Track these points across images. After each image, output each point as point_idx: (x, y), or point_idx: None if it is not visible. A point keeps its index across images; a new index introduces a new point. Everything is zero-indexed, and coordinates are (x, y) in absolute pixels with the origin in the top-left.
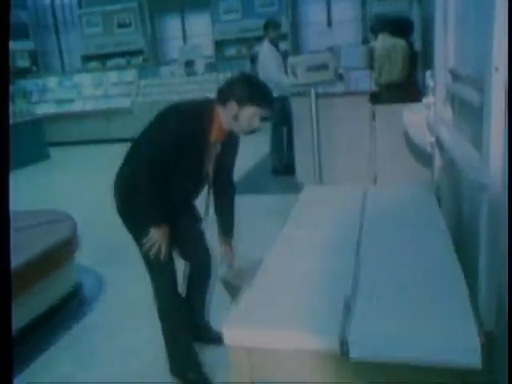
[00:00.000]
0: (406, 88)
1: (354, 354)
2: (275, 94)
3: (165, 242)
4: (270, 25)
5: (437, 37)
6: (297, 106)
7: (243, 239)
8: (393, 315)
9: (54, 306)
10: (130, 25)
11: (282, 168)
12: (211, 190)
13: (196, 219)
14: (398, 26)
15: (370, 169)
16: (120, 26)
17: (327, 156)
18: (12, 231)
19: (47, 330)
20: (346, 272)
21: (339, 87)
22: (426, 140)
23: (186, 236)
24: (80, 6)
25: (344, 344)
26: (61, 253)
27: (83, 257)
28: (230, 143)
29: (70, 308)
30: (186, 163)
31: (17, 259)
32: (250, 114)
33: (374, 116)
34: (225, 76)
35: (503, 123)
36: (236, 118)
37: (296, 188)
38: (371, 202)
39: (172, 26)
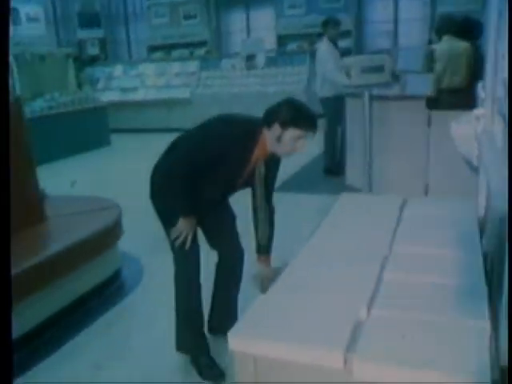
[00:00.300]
0: (467, 95)
1: (358, 373)
2: (331, 93)
3: (191, 232)
4: (330, 23)
5: (489, 43)
6: (350, 107)
7: (279, 237)
8: (404, 338)
9: (94, 290)
10: (195, 16)
11: (333, 168)
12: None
13: (228, 215)
14: (465, 28)
15: (421, 178)
16: (186, 17)
17: (378, 160)
18: (61, 216)
19: (84, 312)
20: (365, 288)
21: (395, 90)
22: (472, 153)
23: (216, 229)
24: None
25: (348, 362)
26: (104, 239)
27: (129, 244)
28: (272, 163)
29: (108, 293)
30: (223, 172)
31: (63, 242)
32: (292, 137)
33: (429, 122)
34: (285, 71)
35: None
36: (279, 139)
37: (344, 190)
38: (407, 216)
39: (236, 19)
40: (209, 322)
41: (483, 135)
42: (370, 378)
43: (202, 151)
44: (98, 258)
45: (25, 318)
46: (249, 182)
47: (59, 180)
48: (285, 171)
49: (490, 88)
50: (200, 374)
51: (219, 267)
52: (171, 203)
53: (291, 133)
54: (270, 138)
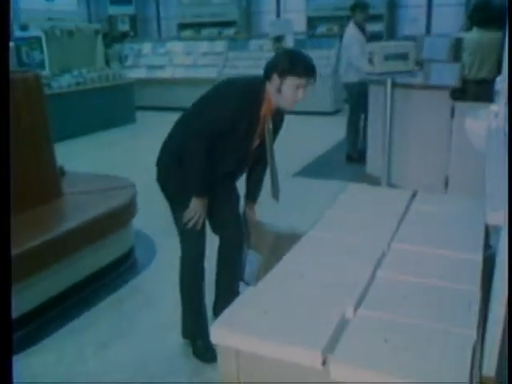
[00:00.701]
0: (494, 87)
1: (335, 374)
2: (355, 79)
3: (204, 212)
4: (358, 7)
5: (508, 33)
6: (373, 94)
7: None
8: (387, 341)
9: (108, 267)
10: None
11: (355, 155)
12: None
13: (234, 197)
14: (499, 16)
15: (442, 169)
16: None
17: (399, 150)
18: (78, 193)
19: (96, 288)
20: (355, 286)
21: (419, 79)
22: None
23: (221, 211)
24: None
25: (326, 362)
26: (119, 218)
27: (144, 223)
28: (278, 118)
29: (121, 270)
30: (237, 138)
31: (77, 219)
32: (291, 85)
33: (453, 113)
34: (313, 53)
35: None
36: (279, 90)
37: (365, 178)
38: (413, 212)
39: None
40: (214, 306)
41: (493, 132)
42: (348, 379)
43: (215, 123)
44: (112, 236)
45: (37, 292)
46: (259, 147)
47: (83, 156)
48: (307, 156)
49: (505, 82)
50: (196, 355)
51: (221, 252)
52: (183, 184)
53: (290, 81)
54: (272, 91)
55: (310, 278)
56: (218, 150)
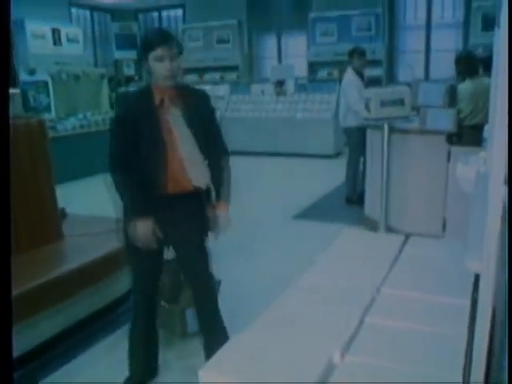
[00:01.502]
0: None
1: None
2: (354, 123)
3: (150, 236)
4: (356, 53)
5: (494, 79)
6: (370, 139)
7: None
8: None
9: (106, 308)
10: (228, 41)
11: (354, 198)
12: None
13: (196, 227)
14: (484, 65)
15: (439, 213)
16: (219, 41)
17: (396, 194)
18: (79, 235)
19: (93, 330)
20: (343, 332)
21: (415, 124)
22: None
23: (184, 250)
24: (184, 20)
25: None
26: (116, 260)
27: None
28: (192, 105)
29: (118, 312)
30: (145, 139)
31: (79, 260)
32: (155, 59)
33: (449, 157)
34: (314, 98)
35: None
36: (150, 71)
37: (363, 221)
38: (405, 256)
39: (269, 45)
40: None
41: (480, 177)
42: None
43: (116, 139)
44: (111, 277)
45: (34, 333)
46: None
47: (86, 197)
48: (307, 198)
49: (491, 128)
50: None
51: (194, 299)
52: (124, 207)
53: (152, 56)
54: (152, 74)
55: (298, 324)
56: (141, 158)
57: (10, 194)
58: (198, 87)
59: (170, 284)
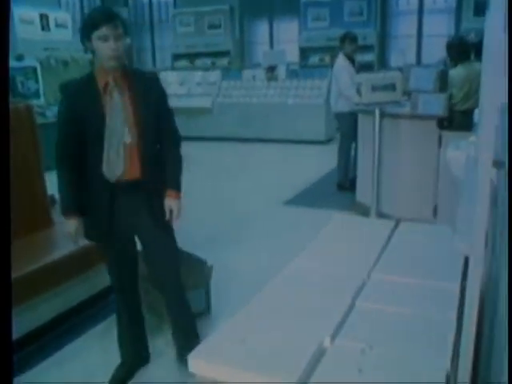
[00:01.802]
0: None
1: None
2: (346, 109)
3: (77, 233)
4: (347, 38)
5: (484, 68)
6: (362, 124)
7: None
8: (361, 371)
9: (97, 295)
10: (219, 27)
11: (346, 183)
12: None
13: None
14: (475, 49)
15: (430, 198)
16: (210, 27)
17: (388, 179)
18: None
19: (84, 317)
20: (333, 317)
21: (407, 109)
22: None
23: (147, 243)
24: (175, 5)
25: None
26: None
27: None
28: (139, 89)
29: (109, 300)
30: (90, 127)
31: (69, 247)
32: (98, 39)
33: (440, 142)
34: (305, 83)
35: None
36: (94, 52)
37: (355, 207)
38: (395, 241)
39: (260, 30)
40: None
41: (470, 161)
42: None
43: (61, 129)
44: (102, 264)
45: (24, 321)
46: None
47: None
48: (299, 184)
49: (481, 112)
50: None
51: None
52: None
53: (95, 36)
54: (95, 56)
55: (288, 309)
56: (87, 150)
57: (9, 184)
58: (148, 70)
59: None
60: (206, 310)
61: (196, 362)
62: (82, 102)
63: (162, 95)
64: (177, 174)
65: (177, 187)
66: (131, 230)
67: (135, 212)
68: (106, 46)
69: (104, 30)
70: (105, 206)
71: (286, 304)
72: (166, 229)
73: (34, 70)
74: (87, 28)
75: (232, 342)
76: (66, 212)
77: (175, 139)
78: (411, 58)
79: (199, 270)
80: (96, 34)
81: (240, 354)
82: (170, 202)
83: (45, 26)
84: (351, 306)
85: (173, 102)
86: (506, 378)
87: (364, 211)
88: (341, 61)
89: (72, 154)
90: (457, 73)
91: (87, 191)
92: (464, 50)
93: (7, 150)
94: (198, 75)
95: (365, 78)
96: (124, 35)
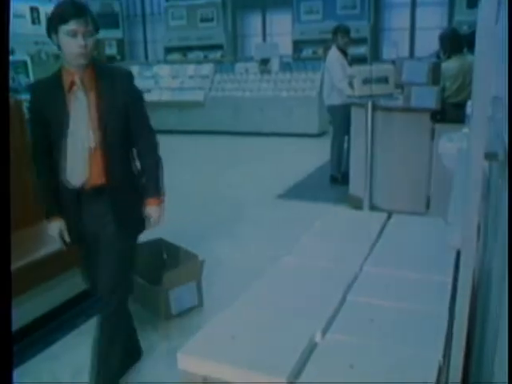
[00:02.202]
0: None
1: None
2: (338, 101)
3: (61, 235)
4: (339, 31)
5: (477, 60)
6: (355, 117)
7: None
8: (352, 367)
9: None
10: (212, 20)
11: (339, 176)
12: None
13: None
14: (468, 41)
15: (423, 190)
16: (203, 20)
17: (380, 172)
18: None
19: (75, 312)
20: (325, 311)
21: (399, 101)
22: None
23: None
24: None
25: None
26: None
27: None
28: (108, 88)
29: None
30: (55, 130)
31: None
32: (65, 34)
33: (433, 135)
34: (299, 76)
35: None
36: (60, 47)
37: (348, 199)
38: (388, 234)
39: (253, 23)
40: None
41: (463, 153)
42: None
43: (31, 131)
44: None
45: (14, 316)
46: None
47: None
48: (291, 178)
49: (474, 105)
50: None
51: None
52: None
53: (63, 30)
54: (62, 52)
55: (279, 303)
56: (57, 160)
57: (9, 180)
58: (120, 66)
59: (153, 265)
60: (199, 303)
61: (185, 358)
62: (46, 103)
63: (133, 96)
64: (154, 180)
65: (156, 193)
66: (94, 237)
67: (98, 220)
68: (73, 42)
69: (72, 25)
70: (72, 211)
71: (277, 298)
72: (128, 239)
73: (25, 64)
74: (55, 20)
75: (222, 338)
76: (47, 215)
77: (150, 143)
78: (404, 50)
79: (191, 264)
80: (64, 29)
81: (230, 351)
82: (149, 211)
83: (35, 20)
84: (343, 300)
85: (165, 96)
86: (505, 378)
87: (357, 204)
88: (333, 53)
89: (44, 157)
90: (450, 65)
91: (60, 194)
92: (457, 42)
93: (7, 147)
94: (191, 68)
95: (357, 70)
96: (94, 32)
